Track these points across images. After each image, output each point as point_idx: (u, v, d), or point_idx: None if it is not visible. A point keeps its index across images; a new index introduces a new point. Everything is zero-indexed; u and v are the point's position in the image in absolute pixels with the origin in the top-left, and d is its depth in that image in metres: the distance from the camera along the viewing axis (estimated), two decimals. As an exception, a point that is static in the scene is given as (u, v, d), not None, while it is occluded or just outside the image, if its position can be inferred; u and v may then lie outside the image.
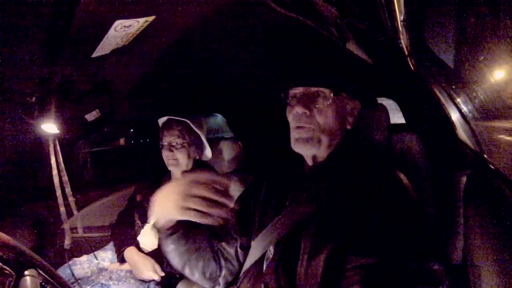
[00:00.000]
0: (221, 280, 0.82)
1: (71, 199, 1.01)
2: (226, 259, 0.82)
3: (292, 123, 0.75)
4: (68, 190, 0.99)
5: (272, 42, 0.91)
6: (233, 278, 0.83)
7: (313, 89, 0.73)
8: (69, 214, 1.54)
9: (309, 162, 0.77)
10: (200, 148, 1.42)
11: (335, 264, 0.60)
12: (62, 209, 0.95)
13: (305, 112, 0.71)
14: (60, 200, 0.94)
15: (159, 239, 0.77)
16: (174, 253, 0.77)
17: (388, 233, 0.58)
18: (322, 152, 0.74)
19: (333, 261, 0.60)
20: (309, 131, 0.72)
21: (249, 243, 0.79)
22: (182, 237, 0.76)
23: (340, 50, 0.76)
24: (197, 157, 1.42)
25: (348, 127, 0.76)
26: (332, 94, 0.71)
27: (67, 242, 1.04)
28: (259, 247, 0.75)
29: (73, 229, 1.55)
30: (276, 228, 0.72)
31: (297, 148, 0.74)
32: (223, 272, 0.82)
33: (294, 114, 0.73)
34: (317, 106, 0.72)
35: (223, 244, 0.84)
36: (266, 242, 0.73)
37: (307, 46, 0.81)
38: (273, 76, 0.80)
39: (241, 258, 0.82)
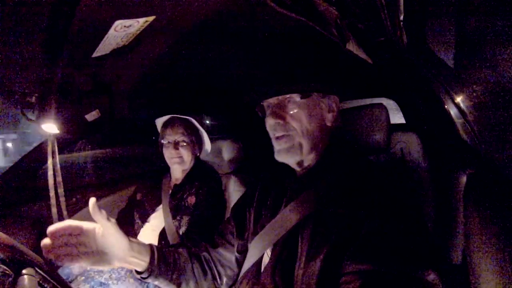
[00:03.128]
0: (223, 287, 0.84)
1: (62, 200, 1.00)
2: (223, 266, 0.84)
3: (271, 134, 0.76)
4: (60, 190, 0.99)
5: (262, 45, 0.91)
6: (234, 281, 0.84)
7: (281, 97, 0.73)
8: (69, 214, 1.54)
9: (297, 168, 0.77)
10: (200, 145, 1.43)
11: (332, 266, 0.59)
12: (54, 210, 0.95)
13: (279, 122, 0.72)
14: (53, 200, 0.93)
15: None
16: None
17: (386, 235, 0.58)
18: (306, 156, 0.74)
19: (331, 263, 0.59)
20: (288, 140, 0.72)
21: (246, 246, 0.80)
22: (159, 273, 0.77)
23: (302, 52, 0.77)
24: (198, 154, 1.43)
25: (329, 124, 0.75)
26: (300, 98, 0.71)
27: None
28: (257, 250, 0.75)
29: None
30: (273, 230, 0.72)
31: (281, 158, 0.75)
32: (224, 279, 0.84)
33: (269, 125, 0.74)
34: (288, 112, 0.72)
35: (220, 250, 0.85)
36: (263, 244, 0.73)
37: (270, 56, 0.82)
38: (272, 76, 0.80)
39: (240, 261, 0.82)
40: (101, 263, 0.68)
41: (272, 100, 0.75)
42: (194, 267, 0.81)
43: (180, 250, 0.83)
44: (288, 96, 0.72)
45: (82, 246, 0.66)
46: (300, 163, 0.75)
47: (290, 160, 0.74)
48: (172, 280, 0.78)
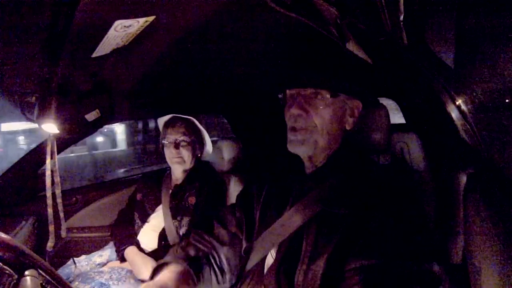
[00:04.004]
0: (226, 285, 0.82)
1: (59, 201, 1.00)
2: (229, 263, 0.82)
3: (288, 124, 0.74)
4: (58, 191, 0.99)
5: (272, 42, 0.91)
6: (237, 279, 0.83)
7: (310, 90, 0.72)
8: (70, 214, 1.54)
9: (306, 163, 0.77)
10: (202, 145, 1.43)
11: (335, 266, 0.60)
12: (50, 210, 0.94)
13: (302, 114, 0.71)
14: (49, 201, 0.93)
15: None
16: None
17: (388, 233, 0.58)
18: (318, 153, 0.74)
19: (334, 264, 0.60)
20: (305, 133, 0.71)
21: (251, 245, 0.79)
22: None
23: (339, 50, 0.76)
24: (199, 155, 1.43)
25: (348, 127, 0.75)
26: (329, 95, 0.71)
27: (49, 245, 1.01)
28: (261, 249, 0.74)
29: (73, 229, 1.56)
30: (277, 230, 0.72)
31: (292, 149, 0.74)
32: (227, 276, 0.81)
33: (290, 115, 0.73)
34: (314, 107, 0.71)
35: (227, 247, 0.83)
36: (268, 244, 0.73)
37: (305, 47, 0.81)
38: (273, 76, 0.79)
39: (244, 260, 0.82)
40: None
41: (300, 91, 0.73)
42: (211, 272, 0.79)
43: (203, 261, 0.80)
44: (317, 91, 0.71)
45: None
46: (310, 158, 0.75)
47: (302, 152, 0.74)
48: None
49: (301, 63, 0.76)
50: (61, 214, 1.00)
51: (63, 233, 1.06)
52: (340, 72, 0.73)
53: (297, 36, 0.81)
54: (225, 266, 0.81)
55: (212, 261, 0.81)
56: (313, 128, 0.71)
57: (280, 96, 0.78)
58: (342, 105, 0.73)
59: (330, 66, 0.74)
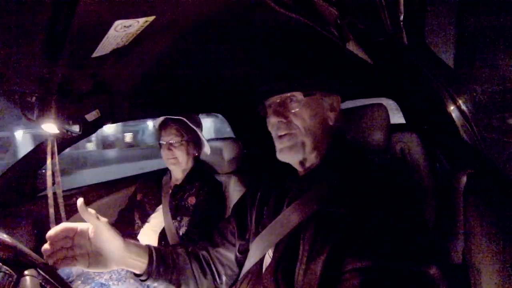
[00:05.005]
0: (223, 287, 0.83)
1: (60, 200, 1.00)
2: (223, 265, 0.83)
3: (273, 133, 0.75)
4: (59, 191, 0.99)
5: (273, 43, 0.91)
6: (234, 281, 0.84)
7: (284, 95, 0.73)
8: (69, 214, 1.54)
9: (298, 168, 0.76)
10: (198, 145, 1.43)
11: (334, 266, 0.59)
12: (52, 210, 0.95)
13: (282, 120, 0.72)
14: (50, 201, 0.93)
15: None
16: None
17: (388, 234, 0.58)
18: (308, 155, 0.74)
19: (332, 263, 0.60)
20: (291, 139, 0.72)
21: (248, 246, 0.79)
22: (158, 275, 0.76)
23: (304, 51, 0.76)
24: (196, 154, 1.43)
25: (331, 123, 0.75)
26: (302, 96, 0.71)
27: None
28: (258, 250, 0.74)
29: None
30: (275, 230, 0.72)
31: (283, 157, 0.74)
32: (223, 278, 0.83)
33: (272, 125, 0.74)
34: (292, 110, 0.72)
35: (220, 249, 0.84)
36: (265, 244, 0.73)
37: (275, 50, 0.81)
38: (272, 77, 0.80)
39: (241, 262, 0.82)
40: (98, 265, 0.67)
41: (275, 99, 0.74)
42: (193, 267, 0.81)
43: (179, 250, 0.83)
44: (290, 94, 0.72)
45: (77, 247, 0.66)
46: (302, 163, 0.75)
47: (293, 158, 0.74)
48: (172, 281, 0.78)
49: (270, 72, 0.77)
50: (62, 214, 1.00)
51: None
52: (307, 72, 0.74)
53: (269, 40, 0.82)
54: (219, 266, 0.83)
55: (203, 261, 0.83)
56: (296, 131, 0.72)
57: (259, 109, 0.79)
58: (319, 102, 0.74)
59: (296, 68, 0.75)
